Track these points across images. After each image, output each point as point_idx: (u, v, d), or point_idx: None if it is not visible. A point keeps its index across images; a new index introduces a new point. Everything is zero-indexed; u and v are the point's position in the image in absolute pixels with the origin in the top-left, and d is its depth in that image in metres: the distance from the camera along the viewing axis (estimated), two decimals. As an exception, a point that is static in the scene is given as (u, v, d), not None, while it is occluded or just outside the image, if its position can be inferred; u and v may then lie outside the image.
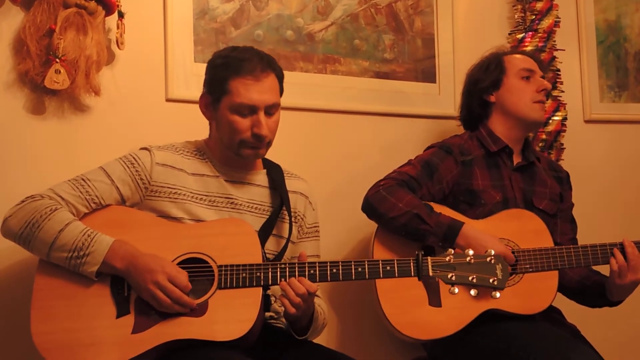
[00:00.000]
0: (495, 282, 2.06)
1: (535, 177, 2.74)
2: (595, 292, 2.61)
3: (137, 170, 2.17)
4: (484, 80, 2.76)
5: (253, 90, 2.16)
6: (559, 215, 2.77)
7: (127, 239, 2.05)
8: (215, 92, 2.21)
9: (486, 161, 2.68)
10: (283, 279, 2.06)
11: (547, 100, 3.14)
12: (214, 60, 2.25)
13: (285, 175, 2.37)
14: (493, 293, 2.08)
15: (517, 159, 2.74)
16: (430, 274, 2.07)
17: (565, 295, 2.75)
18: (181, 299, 1.98)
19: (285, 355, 2.18)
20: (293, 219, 2.33)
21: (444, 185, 2.61)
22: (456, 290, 2.05)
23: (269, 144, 2.24)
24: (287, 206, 2.30)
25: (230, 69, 2.17)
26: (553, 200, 2.73)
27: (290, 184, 2.37)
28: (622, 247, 2.48)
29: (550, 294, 2.50)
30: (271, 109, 2.20)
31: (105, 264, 2.00)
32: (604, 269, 2.59)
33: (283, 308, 2.31)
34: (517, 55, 2.81)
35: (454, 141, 2.72)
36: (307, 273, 2.08)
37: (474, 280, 2.06)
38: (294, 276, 2.07)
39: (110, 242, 2.01)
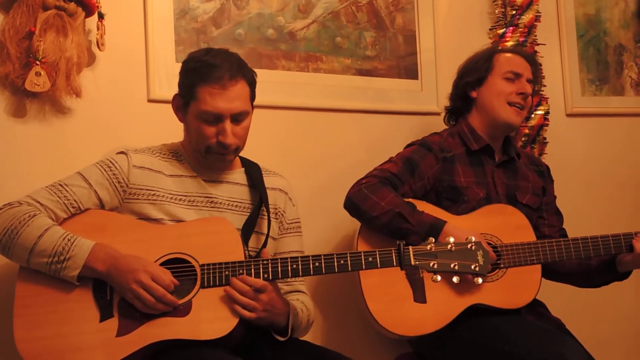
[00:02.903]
0: (477, 269, 2.09)
1: (517, 172, 2.76)
2: (604, 268, 2.62)
3: (114, 174, 2.18)
4: (470, 75, 2.77)
5: (219, 99, 2.14)
6: (544, 209, 2.79)
7: (108, 242, 2.05)
8: (185, 96, 2.21)
9: (468, 158, 2.69)
10: (228, 285, 2.05)
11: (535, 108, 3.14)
12: (188, 63, 2.24)
13: (263, 172, 2.38)
14: (475, 279, 2.13)
15: (498, 156, 2.76)
16: (412, 263, 2.08)
17: (565, 281, 2.78)
18: (164, 297, 1.98)
19: (271, 353, 2.18)
20: (273, 216, 2.35)
21: (425, 181, 2.62)
22: (439, 278, 2.08)
23: (237, 150, 2.24)
24: (265, 203, 2.30)
25: (198, 76, 2.16)
26: (536, 194, 2.75)
27: (269, 181, 2.38)
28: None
29: (534, 288, 2.52)
30: (239, 117, 2.19)
31: (87, 268, 1.99)
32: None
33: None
34: (509, 55, 2.78)
35: (434, 139, 2.73)
36: (289, 268, 2.08)
37: (456, 267, 2.09)
38: (277, 272, 2.07)
39: (90, 246, 2.01)
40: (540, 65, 3.23)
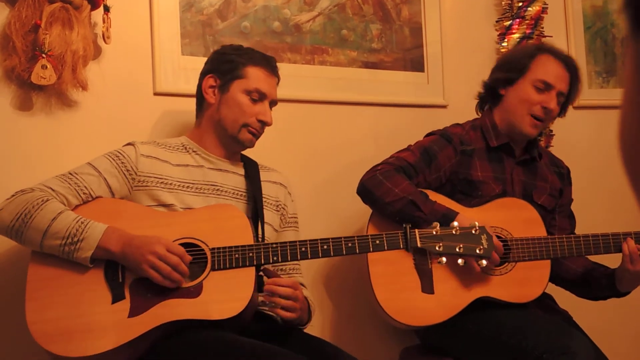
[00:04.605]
0: (481, 252, 2.16)
1: (536, 171, 2.72)
2: (603, 283, 2.59)
3: (122, 163, 2.22)
4: (503, 72, 2.69)
5: (266, 81, 2.34)
6: (557, 211, 2.75)
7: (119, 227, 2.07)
8: (227, 75, 2.32)
9: (488, 154, 2.65)
10: (267, 294, 2.11)
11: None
12: (225, 49, 2.41)
13: (262, 168, 2.46)
14: (479, 262, 2.19)
15: (519, 153, 2.70)
16: (419, 245, 2.14)
17: (566, 288, 2.75)
18: (180, 266, 2.00)
19: (277, 343, 2.17)
20: (275, 208, 2.42)
21: (441, 173, 2.59)
22: (444, 260, 2.13)
23: (260, 135, 2.37)
24: (258, 195, 2.36)
25: (249, 58, 2.35)
26: (552, 196, 2.71)
27: (269, 176, 2.45)
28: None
29: (542, 283, 2.50)
30: (272, 104, 2.38)
31: (100, 249, 2.01)
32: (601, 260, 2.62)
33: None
34: (551, 61, 2.63)
35: (455, 130, 2.68)
36: (298, 251, 2.13)
37: (461, 250, 2.15)
38: (287, 254, 2.12)
39: (103, 228, 2.04)
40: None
